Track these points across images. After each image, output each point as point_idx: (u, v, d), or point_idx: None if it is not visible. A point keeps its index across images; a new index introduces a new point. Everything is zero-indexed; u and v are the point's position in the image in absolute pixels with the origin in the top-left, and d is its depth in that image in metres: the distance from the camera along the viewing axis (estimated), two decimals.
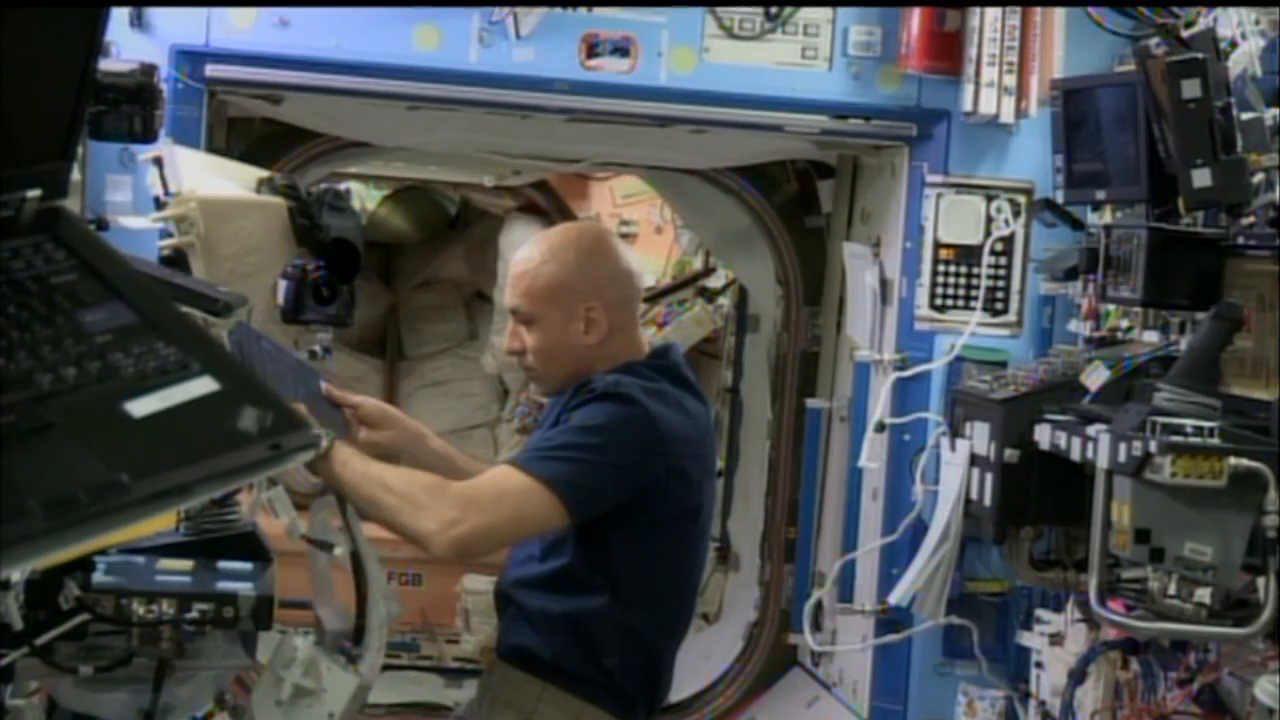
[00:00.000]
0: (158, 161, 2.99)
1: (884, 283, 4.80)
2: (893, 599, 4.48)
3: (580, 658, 3.03)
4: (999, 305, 4.62)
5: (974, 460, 4.21)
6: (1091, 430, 3.54)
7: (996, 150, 4.60)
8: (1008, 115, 4.45)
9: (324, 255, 3.10)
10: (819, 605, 5.09)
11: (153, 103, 3.14)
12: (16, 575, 2.35)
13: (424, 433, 3.26)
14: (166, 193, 2.87)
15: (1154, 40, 4.02)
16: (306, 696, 2.89)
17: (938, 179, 4.62)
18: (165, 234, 2.90)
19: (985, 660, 4.57)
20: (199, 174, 2.97)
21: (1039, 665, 4.33)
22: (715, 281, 6.68)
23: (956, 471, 4.27)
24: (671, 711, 5.27)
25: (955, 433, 4.36)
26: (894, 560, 4.60)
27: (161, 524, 2.70)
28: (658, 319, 6.56)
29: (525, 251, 3.17)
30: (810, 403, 5.44)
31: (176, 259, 2.87)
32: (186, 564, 2.75)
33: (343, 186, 7.65)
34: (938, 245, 4.63)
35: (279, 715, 2.87)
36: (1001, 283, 4.62)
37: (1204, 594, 3.30)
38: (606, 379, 3.01)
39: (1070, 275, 4.34)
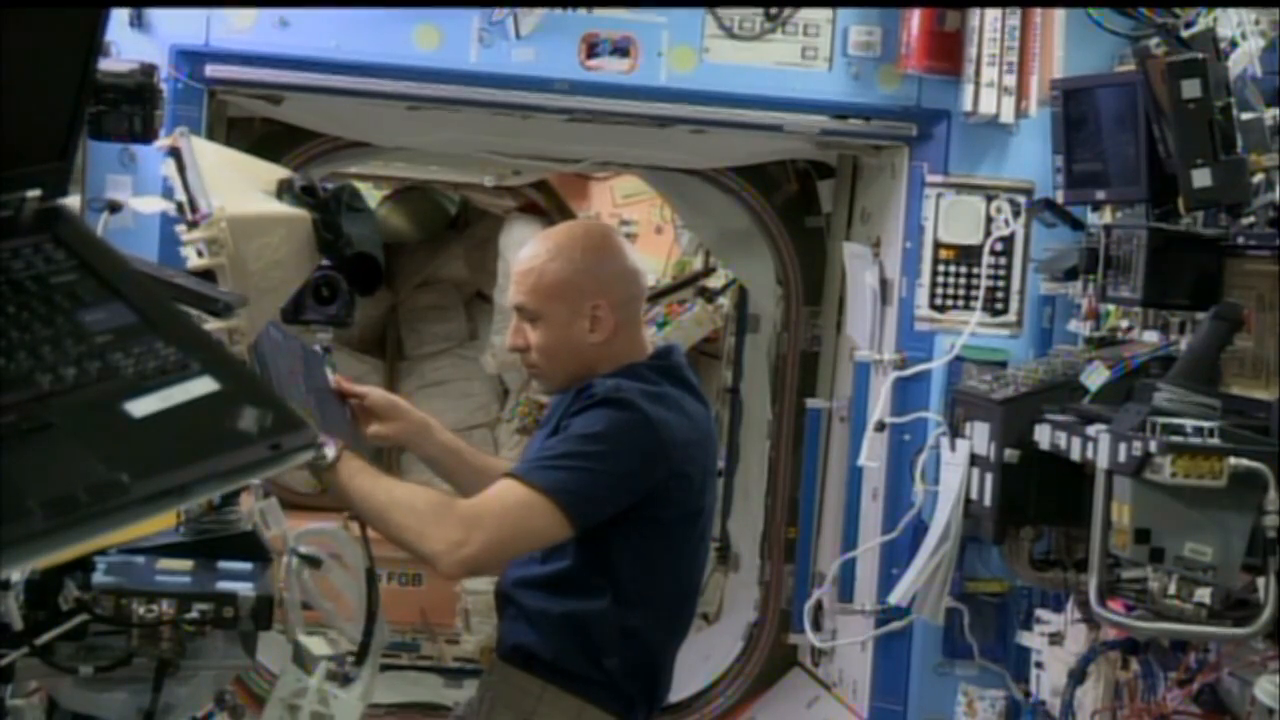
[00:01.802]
0: (175, 153, 2.97)
1: (884, 283, 4.80)
2: (893, 599, 4.48)
3: (581, 658, 3.03)
4: (999, 305, 4.62)
5: (974, 460, 4.21)
6: (1091, 430, 3.54)
7: (996, 150, 4.61)
8: (1008, 115, 4.45)
9: (346, 269, 3.09)
10: (819, 605, 5.09)
11: (153, 103, 3.14)
12: (16, 575, 2.35)
13: (431, 425, 3.25)
14: (194, 210, 2.84)
15: (1154, 40, 4.02)
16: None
17: (938, 179, 4.62)
18: (192, 250, 2.87)
19: (978, 648, 4.58)
20: (217, 171, 2.95)
21: (1039, 665, 4.33)
22: (715, 281, 6.68)
23: (956, 471, 4.27)
24: (671, 711, 5.27)
25: (955, 433, 4.36)
26: (894, 560, 4.60)
27: (161, 524, 2.70)
28: (657, 319, 6.56)
29: (531, 249, 3.16)
30: (810, 403, 5.44)
31: (203, 277, 2.85)
32: (186, 564, 2.75)
33: None
34: (938, 245, 4.63)
35: None
36: (1001, 283, 4.62)
37: (1204, 594, 3.30)
38: (606, 384, 2.99)
39: (1070, 275, 4.33)
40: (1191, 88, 3.58)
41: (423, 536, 2.86)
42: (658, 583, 3.07)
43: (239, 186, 3.00)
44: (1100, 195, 4.13)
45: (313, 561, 3.06)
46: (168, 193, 3.03)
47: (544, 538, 2.94)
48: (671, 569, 3.10)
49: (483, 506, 2.90)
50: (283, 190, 3.05)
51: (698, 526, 3.14)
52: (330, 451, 2.87)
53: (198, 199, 2.85)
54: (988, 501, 4.12)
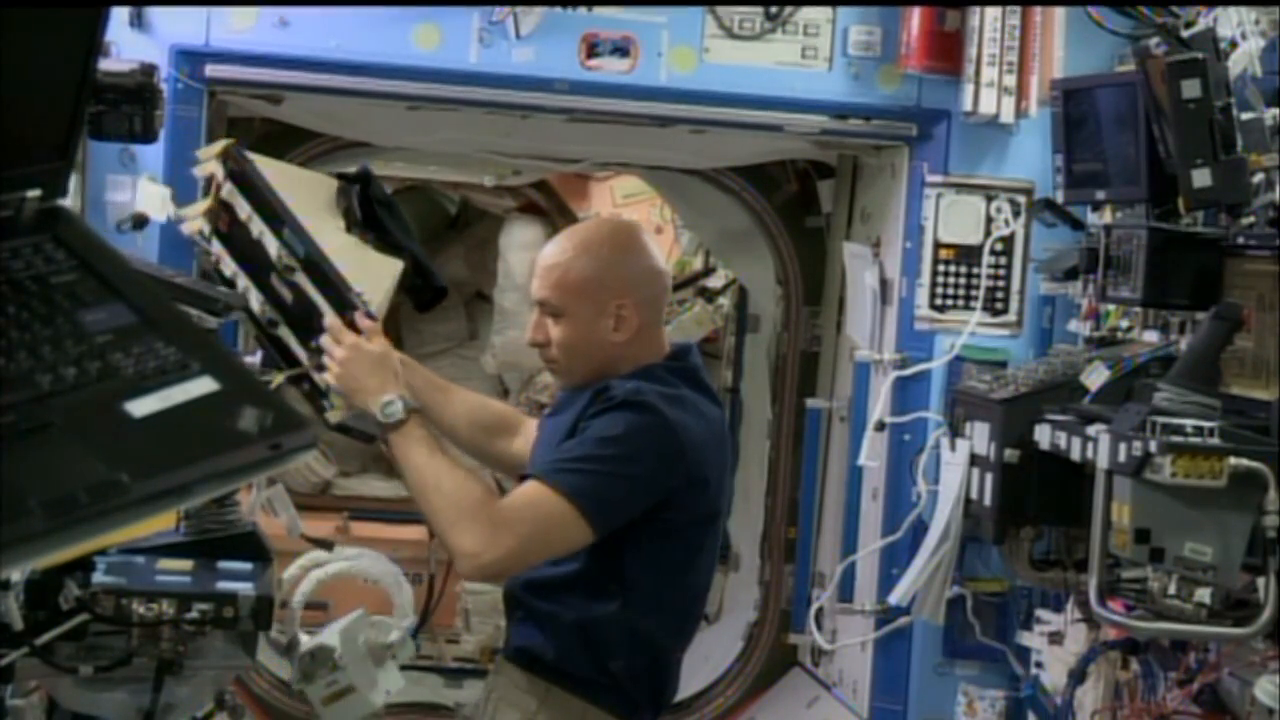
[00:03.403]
0: (239, 176, 2.99)
1: (884, 283, 4.80)
2: (893, 599, 4.48)
3: (586, 661, 3.01)
4: (999, 305, 4.62)
5: (974, 460, 4.21)
6: (1091, 430, 3.54)
7: (996, 150, 4.60)
8: (1008, 115, 4.45)
9: (417, 297, 3.18)
10: (820, 606, 5.09)
11: (153, 103, 3.14)
12: (16, 575, 2.35)
13: (405, 360, 3.23)
14: (356, 295, 2.97)
15: (1154, 40, 4.02)
16: (378, 668, 2.95)
17: (938, 179, 4.62)
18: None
19: (979, 629, 4.59)
20: (295, 205, 3.01)
21: (1039, 665, 4.33)
22: (715, 281, 6.68)
23: (956, 471, 4.27)
24: (671, 711, 5.23)
25: (955, 433, 4.36)
26: (894, 560, 4.60)
27: (161, 524, 2.71)
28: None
29: (558, 244, 3.12)
30: (810, 403, 5.44)
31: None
32: (186, 564, 2.75)
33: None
34: (938, 245, 4.62)
35: (368, 666, 2.93)
36: (1001, 283, 4.62)
37: (1204, 594, 3.30)
38: (626, 386, 2.96)
39: (1070, 275, 4.33)
40: (1191, 88, 3.58)
41: (453, 529, 2.84)
42: (670, 586, 3.05)
43: (323, 224, 3.06)
44: (1100, 195, 4.13)
45: (324, 545, 3.08)
46: (173, 179, 3.08)
47: (567, 545, 2.91)
48: (685, 572, 3.08)
49: (510, 512, 2.87)
50: (349, 220, 3.10)
51: (713, 530, 3.13)
52: (399, 410, 2.90)
53: (345, 293, 2.98)
54: (988, 501, 4.12)
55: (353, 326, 2.97)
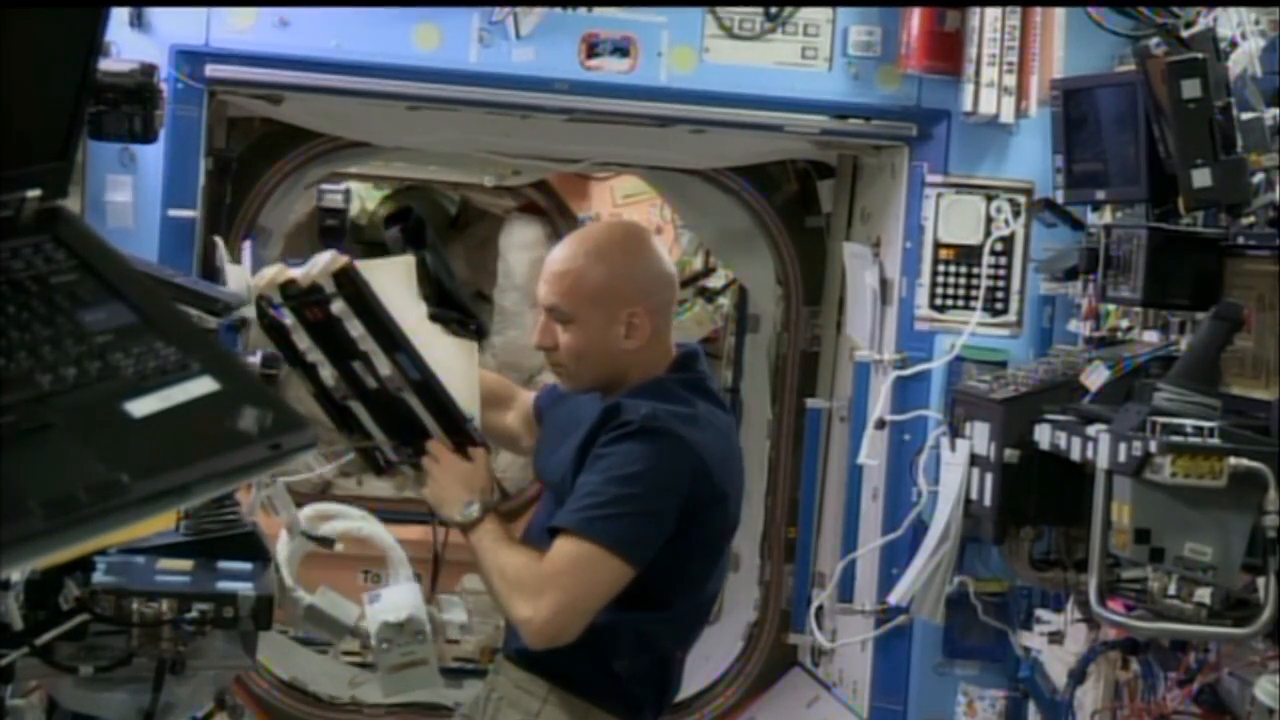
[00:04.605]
0: (356, 300, 3.01)
1: (884, 283, 4.80)
2: (892, 599, 4.48)
3: (589, 662, 3.00)
4: (999, 305, 4.62)
5: (974, 460, 4.21)
6: (1091, 430, 3.54)
7: (996, 150, 4.60)
8: (1008, 115, 4.45)
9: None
10: (819, 605, 5.09)
11: (153, 103, 3.14)
12: (16, 575, 2.35)
13: None
14: (469, 424, 3.12)
15: (1154, 40, 4.02)
16: (426, 643, 3.01)
17: (938, 179, 4.62)
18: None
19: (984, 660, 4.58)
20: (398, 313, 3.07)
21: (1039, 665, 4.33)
22: (715, 281, 6.68)
23: (956, 471, 4.27)
24: (671, 711, 5.23)
25: (955, 433, 4.36)
26: (894, 560, 4.60)
27: (161, 524, 2.70)
28: None
29: (568, 248, 3.09)
30: (810, 403, 5.44)
31: None
32: (186, 564, 2.75)
33: (342, 186, 7.61)
34: (938, 245, 4.63)
35: (434, 640, 3.02)
36: (1001, 283, 4.62)
37: (1204, 594, 3.31)
38: (640, 411, 2.93)
39: (1070, 275, 4.34)
40: (1191, 88, 3.58)
41: (507, 603, 2.95)
42: (683, 594, 3.05)
43: (408, 311, 3.12)
44: (1100, 195, 4.13)
45: (324, 542, 3.08)
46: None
47: (613, 589, 2.92)
48: (698, 581, 3.07)
49: (551, 570, 2.90)
50: (428, 304, 3.15)
51: (729, 541, 3.14)
52: (475, 511, 3.03)
53: (460, 422, 3.10)
54: (988, 501, 4.12)
55: (461, 449, 3.10)
